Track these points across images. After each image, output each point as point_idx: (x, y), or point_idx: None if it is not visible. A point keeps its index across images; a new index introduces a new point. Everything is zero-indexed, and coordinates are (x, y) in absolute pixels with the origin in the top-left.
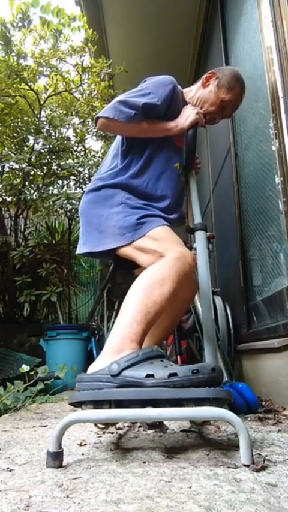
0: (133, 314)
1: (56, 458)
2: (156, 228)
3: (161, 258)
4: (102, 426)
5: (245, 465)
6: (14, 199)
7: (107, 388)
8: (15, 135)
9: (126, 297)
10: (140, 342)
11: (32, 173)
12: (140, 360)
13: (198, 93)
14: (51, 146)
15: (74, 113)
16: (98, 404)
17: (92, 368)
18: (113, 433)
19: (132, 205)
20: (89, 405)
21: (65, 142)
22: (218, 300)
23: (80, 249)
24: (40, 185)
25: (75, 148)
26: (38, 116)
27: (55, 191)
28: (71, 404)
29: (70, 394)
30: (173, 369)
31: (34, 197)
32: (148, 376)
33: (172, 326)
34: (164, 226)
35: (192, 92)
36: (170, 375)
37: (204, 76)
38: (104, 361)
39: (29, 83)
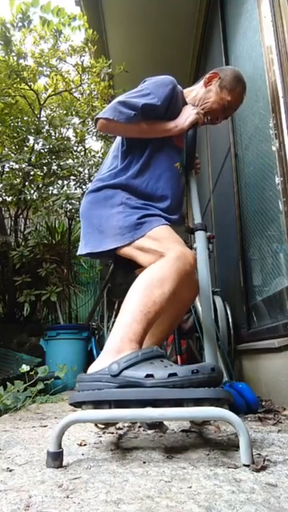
0: (133, 314)
1: (56, 458)
2: (156, 228)
3: (162, 257)
4: (103, 426)
5: (245, 465)
6: (14, 199)
7: (107, 388)
8: (15, 135)
9: (126, 296)
10: (140, 342)
11: (32, 173)
12: (140, 360)
13: (200, 94)
14: (51, 146)
15: (74, 113)
16: (98, 404)
17: (92, 368)
18: (113, 433)
19: (132, 205)
20: (89, 405)
21: (65, 142)
22: (218, 300)
23: (82, 250)
24: (40, 185)
25: (75, 148)
26: (38, 116)
27: (55, 191)
28: (71, 404)
29: (70, 394)
30: (172, 369)
31: (34, 197)
32: (148, 376)
33: (172, 327)
34: (164, 226)
35: (194, 92)
36: (170, 375)
37: (207, 76)
38: (104, 362)
39: (29, 83)
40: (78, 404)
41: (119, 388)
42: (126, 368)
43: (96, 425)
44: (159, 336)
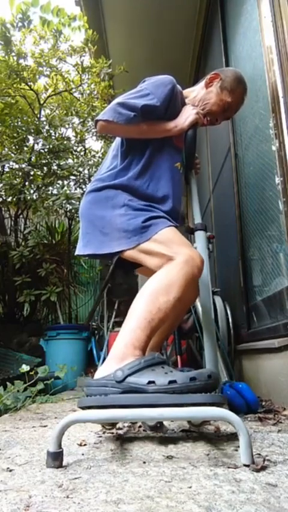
0: (138, 320)
1: (56, 458)
2: (162, 230)
3: (170, 261)
4: (110, 427)
5: (245, 465)
6: (14, 199)
7: (112, 393)
8: (15, 135)
9: (134, 301)
10: (144, 348)
11: (32, 173)
12: (142, 367)
13: (201, 94)
14: (51, 146)
15: (74, 113)
16: (104, 408)
17: (99, 374)
18: (113, 433)
19: (135, 207)
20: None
21: (65, 142)
22: (218, 300)
23: (82, 251)
24: (40, 185)
25: (75, 148)
26: (38, 116)
27: (55, 191)
28: (80, 407)
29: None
30: (172, 376)
31: (34, 197)
32: (150, 382)
33: (173, 327)
34: (170, 228)
35: (195, 92)
36: (170, 382)
37: (208, 77)
38: (109, 368)
39: (29, 83)
40: (86, 408)
41: (123, 394)
42: (130, 375)
43: (103, 426)
44: (159, 335)
